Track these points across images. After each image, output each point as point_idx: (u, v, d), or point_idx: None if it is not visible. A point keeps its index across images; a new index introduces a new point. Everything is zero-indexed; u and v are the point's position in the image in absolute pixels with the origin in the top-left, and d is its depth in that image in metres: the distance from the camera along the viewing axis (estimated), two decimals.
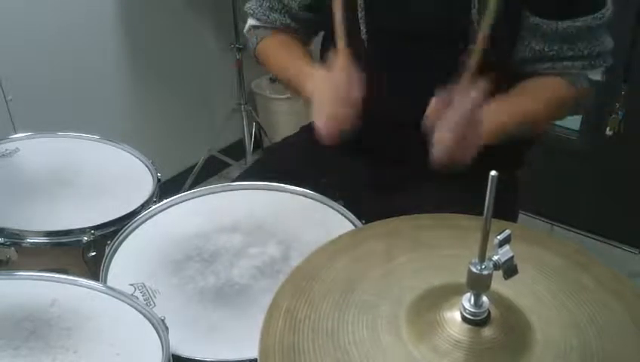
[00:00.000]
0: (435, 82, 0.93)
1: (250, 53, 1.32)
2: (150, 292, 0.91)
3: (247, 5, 1.26)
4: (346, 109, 0.97)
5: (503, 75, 1.02)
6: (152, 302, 0.89)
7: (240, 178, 1.22)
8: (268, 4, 1.22)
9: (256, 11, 1.24)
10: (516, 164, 1.22)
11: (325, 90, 1.00)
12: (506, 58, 1.07)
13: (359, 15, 1.07)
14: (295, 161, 1.24)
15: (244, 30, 1.29)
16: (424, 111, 1.05)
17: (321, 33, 1.27)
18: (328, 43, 1.24)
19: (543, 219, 2.17)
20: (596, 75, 1.07)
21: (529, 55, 1.06)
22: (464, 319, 0.61)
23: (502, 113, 1.00)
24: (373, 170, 1.18)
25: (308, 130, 1.36)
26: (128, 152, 1.29)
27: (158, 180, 1.19)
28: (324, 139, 0.98)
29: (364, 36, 1.09)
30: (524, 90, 1.07)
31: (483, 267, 0.59)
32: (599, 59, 1.05)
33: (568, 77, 1.07)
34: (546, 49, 1.04)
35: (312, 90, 1.03)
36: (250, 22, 1.27)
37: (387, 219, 0.82)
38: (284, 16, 1.22)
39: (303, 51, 1.21)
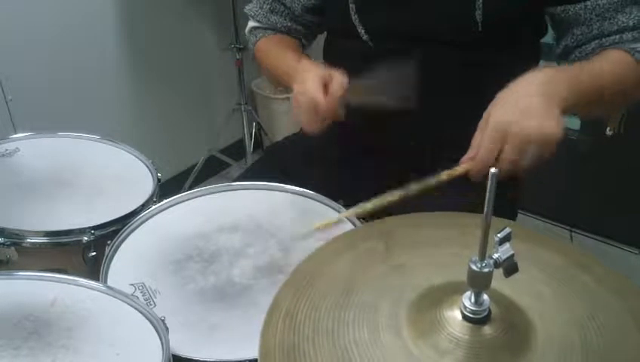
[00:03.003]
0: (438, 83, 0.92)
1: (250, 53, 1.32)
2: (150, 292, 0.91)
3: (248, 7, 1.26)
4: (325, 102, 0.95)
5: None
6: (152, 302, 0.89)
7: (240, 178, 1.22)
8: (268, 6, 1.22)
9: (257, 13, 1.24)
10: None
11: (307, 80, 0.97)
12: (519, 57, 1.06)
13: (352, 17, 1.07)
14: (295, 161, 1.24)
15: (246, 30, 1.30)
16: (425, 111, 1.06)
17: (323, 35, 1.27)
18: (331, 44, 1.24)
19: (542, 218, 2.17)
20: None
21: (571, 42, 1.02)
22: (464, 317, 0.61)
23: (558, 88, 0.89)
24: (374, 170, 1.18)
25: None
26: (128, 152, 1.29)
27: (158, 180, 1.19)
28: (304, 128, 0.98)
29: (364, 37, 1.09)
30: (582, 66, 0.96)
31: (483, 265, 0.59)
32: None
33: (625, 49, 0.96)
34: (587, 30, 0.99)
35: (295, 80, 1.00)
36: (251, 23, 1.27)
37: (386, 218, 0.82)
38: (285, 19, 1.22)
39: (296, 49, 1.21)
